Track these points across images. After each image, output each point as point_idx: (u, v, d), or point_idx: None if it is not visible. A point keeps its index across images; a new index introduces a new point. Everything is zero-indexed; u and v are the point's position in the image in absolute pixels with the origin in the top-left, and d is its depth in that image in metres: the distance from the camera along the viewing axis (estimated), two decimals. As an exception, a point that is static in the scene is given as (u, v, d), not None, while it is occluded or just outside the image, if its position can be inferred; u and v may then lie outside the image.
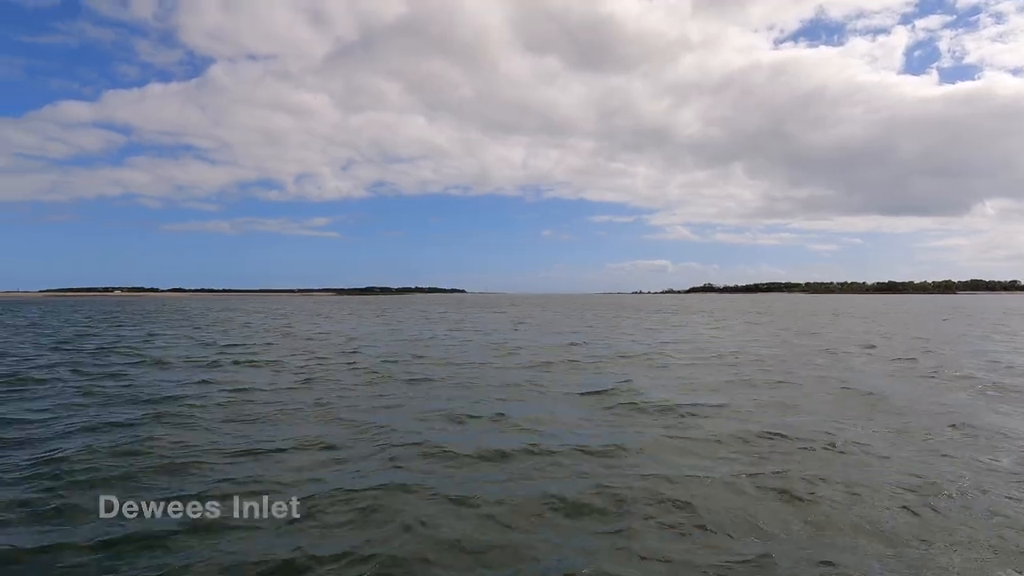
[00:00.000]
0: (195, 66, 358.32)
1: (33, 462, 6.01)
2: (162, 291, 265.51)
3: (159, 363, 14.19)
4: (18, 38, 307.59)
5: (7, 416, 8.14)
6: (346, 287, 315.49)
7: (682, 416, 8.24)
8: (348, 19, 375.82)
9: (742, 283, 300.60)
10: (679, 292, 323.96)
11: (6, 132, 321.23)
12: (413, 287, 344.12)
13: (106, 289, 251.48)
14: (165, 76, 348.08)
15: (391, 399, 9.57)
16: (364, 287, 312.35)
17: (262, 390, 10.27)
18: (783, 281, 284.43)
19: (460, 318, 38.74)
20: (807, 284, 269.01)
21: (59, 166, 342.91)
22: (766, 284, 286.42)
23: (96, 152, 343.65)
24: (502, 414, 8.27)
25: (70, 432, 7.30)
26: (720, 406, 8.92)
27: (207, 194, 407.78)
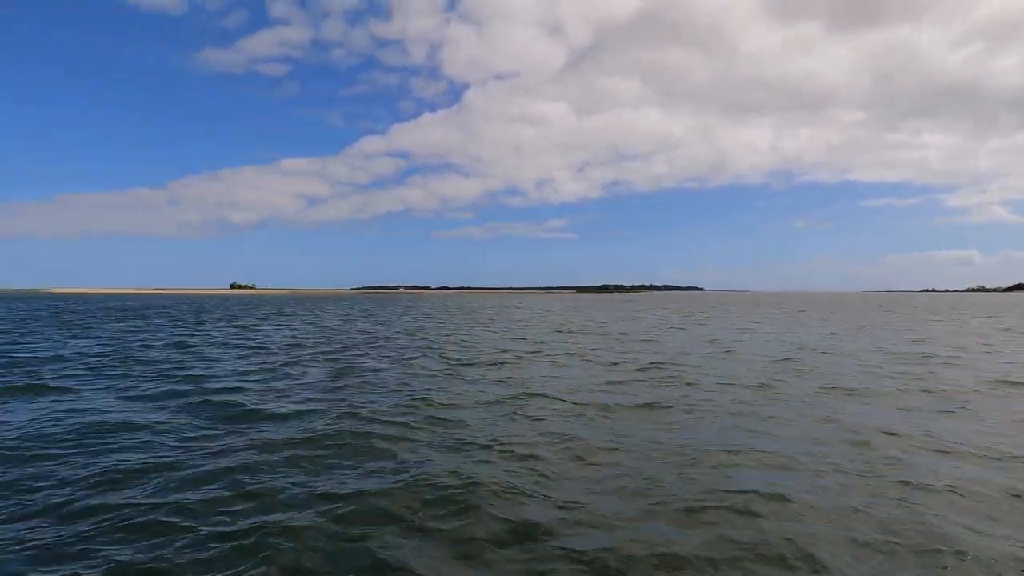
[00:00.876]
0: (455, 93, 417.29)
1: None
2: (433, 288, 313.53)
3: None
4: (337, 93, 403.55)
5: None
6: (582, 285, 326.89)
7: None
8: (581, 26, 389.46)
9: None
10: (992, 290, 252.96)
11: (330, 167, 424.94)
12: (647, 284, 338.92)
13: (394, 287, 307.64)
14: (433, 106, 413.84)
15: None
16: (599, 285, 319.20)
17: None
18: None
19: (751, 320, 35.63)
20: None
21: (363, 190, 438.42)
22: None
23: (388, 175, 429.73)
24: None
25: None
26: None
27: (463, 204, 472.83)
